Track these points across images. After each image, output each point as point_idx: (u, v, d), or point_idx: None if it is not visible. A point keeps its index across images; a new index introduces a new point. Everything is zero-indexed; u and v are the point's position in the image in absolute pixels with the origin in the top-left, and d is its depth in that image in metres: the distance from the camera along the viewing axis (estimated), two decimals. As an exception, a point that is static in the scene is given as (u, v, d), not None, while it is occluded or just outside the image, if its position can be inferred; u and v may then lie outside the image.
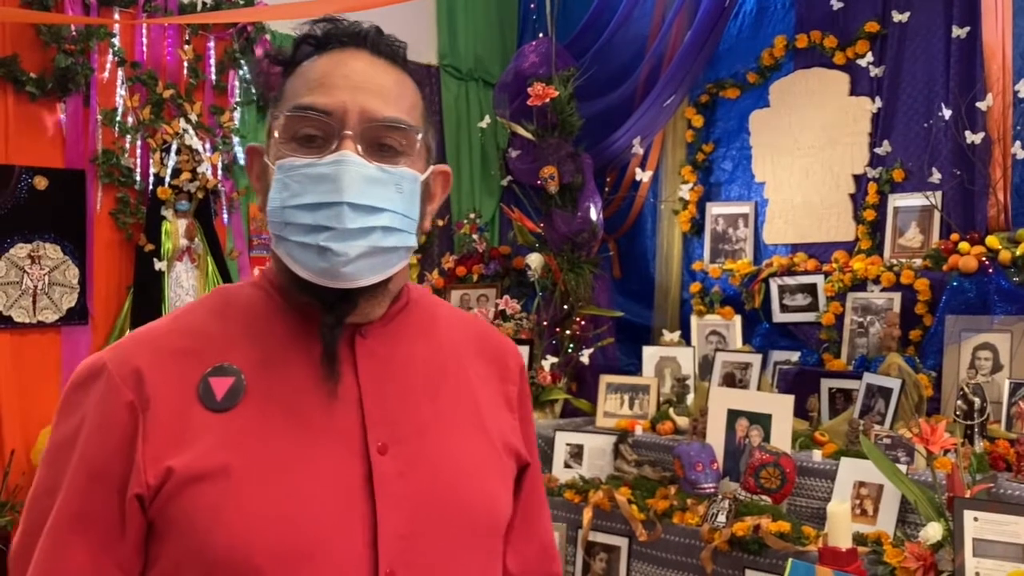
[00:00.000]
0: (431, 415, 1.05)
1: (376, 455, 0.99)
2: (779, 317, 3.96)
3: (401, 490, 0.99)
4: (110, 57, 3.80)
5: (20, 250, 3.63)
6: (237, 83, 4.15)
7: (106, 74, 3.79)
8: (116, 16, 3.82)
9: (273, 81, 1.07)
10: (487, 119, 4.81)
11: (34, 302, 3.65)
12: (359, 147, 0.98)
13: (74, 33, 3.67)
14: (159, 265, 3.83)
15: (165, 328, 1.04)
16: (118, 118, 3.80)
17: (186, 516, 0.93)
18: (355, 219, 0.96)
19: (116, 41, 3.81)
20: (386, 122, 1.00)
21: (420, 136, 1.03)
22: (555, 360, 4.05)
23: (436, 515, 1.00)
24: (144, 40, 3.91)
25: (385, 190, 0.98)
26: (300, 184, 0.97)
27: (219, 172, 4.03)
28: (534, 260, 4.31)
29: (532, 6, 4.88)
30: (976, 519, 2.23)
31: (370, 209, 0.97)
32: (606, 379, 3.84)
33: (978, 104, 3.48)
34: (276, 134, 1.01)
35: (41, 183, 3.66)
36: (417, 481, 1.00)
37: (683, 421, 3.48)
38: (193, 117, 3.96)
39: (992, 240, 3.31)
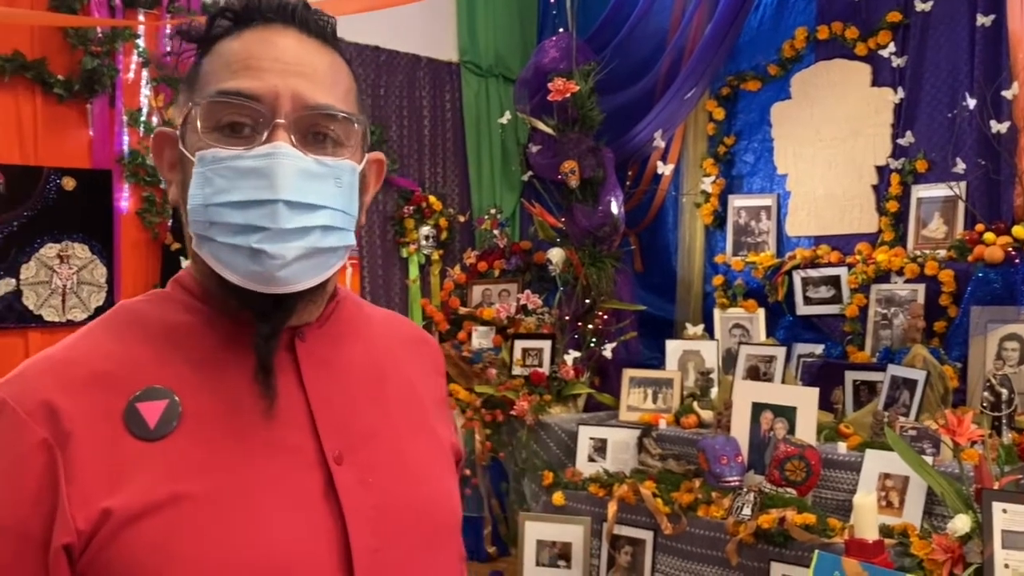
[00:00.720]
0: (379, 418, 0.99)
1: (334, 465, 0.91)
2: (803, 310, 3.95)
3: (365, 500, 0.91)
4: (135, 58, 3.84)
5: (50, 250, 3.69)
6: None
7: (131, 75, 3.84)
8: (141, 17, 3.86)
9: (185, 61, 0.96)
10: (507, 115, 4.82)
11: (63, 301, 3.71)
12: (293, 137, 0.88)
13: (100, 35, 3.72)
14: (185, 264, 3.87)
15: (70, 353, 0.90)
16: (143, 118, 3.85)
17: (125, 561, 0.81)
18: (292, 218, 0.86)
19: (140, 42, 3.86)
20: (322, 109, 0.90)
21: (357, 125, 0.94)
22: (577, 354, 4.06)
23: (402, 522, 0.94)
24: (168, 40, 3.95)
25: (323, 185, 0.89)
26: (226, 179, 0.86)
27: (243, 171, 4.06)
28: (555, 255, 4.32)
29: (552, 1, 4.88)
30: (1005, 511, 2.22)
31: (308, 207, 0.87)
32: (629, 373, 3.85)
33: (1003, 93, 3.45)
34: (197, 122, 0.89)
35: (69, 184, 3.71)
36: (379, 489, 0.93)
37: (707, 415, 3.49)
38: (217, 116, 3.99)
39: (1018, 230, 3.29)
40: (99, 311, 3.77)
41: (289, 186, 0.86)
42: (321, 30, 0.95)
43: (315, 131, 0.91)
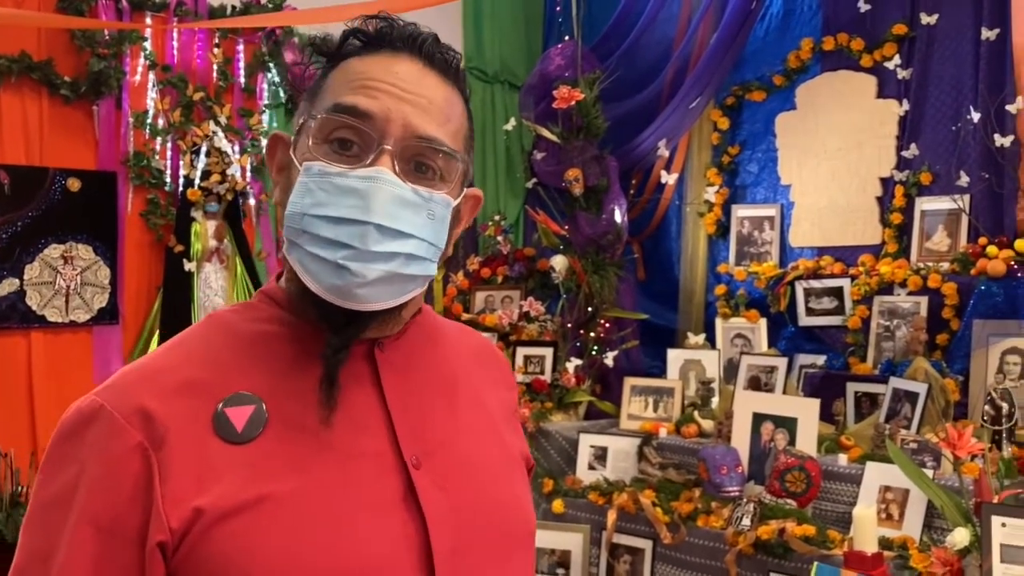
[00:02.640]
0: (453, 426, 1.02)
1: (413, 470, 0.94)
2: (805, 320, 3.95)
3: (443, 504, 0.94)
4: (142, 60, 3.86)
5: (54, 251, 3.69)
6: (265, 86, 4.20)
7: (138, 77, 3.85)
8: (148, 20, 3.88)
9: (310, 73, 1.00)
10: (512, 122, 4.83)
11: (67, 302, 3.71)
12: (397, 165, 0.91)
13: (107, 37, 3.73)
14: (189, 266, 3.88)
15: (162, 361, 0.95)
16: (149, 120, 3.86)
17: (215, 559, 0.85)
18: (380, 242, 0.89)
19: (148, 45, 3.88)
20: (429, 142, 0.93)
21: (461, 164, 0.97)
22: (579, 362, 4.06)
23: (478, 528, 0.97)
24: (175, 44, 3.97)
25: (416, 215, 0.92)
26: (326, 193, 0.90)
27: (248, 174, 4.08)
28: (558, 262, 4.32)
29: (558, 9, 4.89)
30: (1004, 525, 2.22)
31: (398, 233, 0.90)
32: (630, 381, 3.85)
33: (1008, 107, 3.45)
34: (310, 133, 0.93)
35: (74, 185, 3.72)
36: (456, 494, 0.96)
37: (708, 424, 3.48)
38: (222, 119, 4.01)
39: (1021, 244, 3.29)
40: (102, 312, 3.78)
41: (383, 211, 0.89)
42: (445, 65, 0.98)
43: (419, 161, 0.94)
